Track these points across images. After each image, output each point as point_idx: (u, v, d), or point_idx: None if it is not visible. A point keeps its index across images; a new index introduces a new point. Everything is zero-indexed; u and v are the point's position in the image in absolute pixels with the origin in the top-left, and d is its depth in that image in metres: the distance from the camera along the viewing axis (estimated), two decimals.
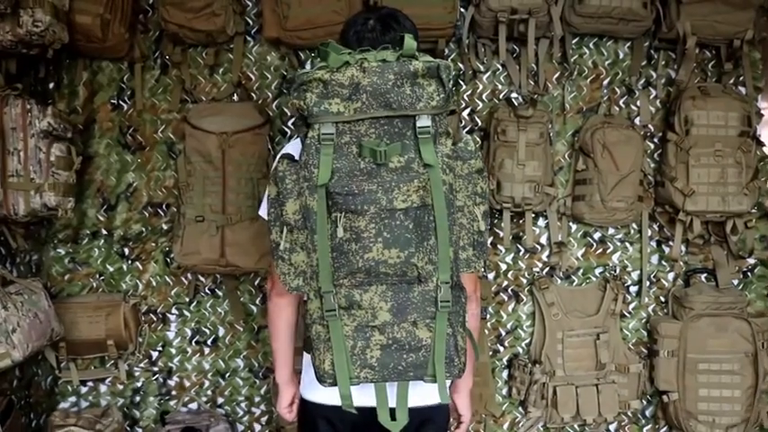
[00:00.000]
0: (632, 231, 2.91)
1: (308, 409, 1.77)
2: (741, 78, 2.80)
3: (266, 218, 1.67)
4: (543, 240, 2.90)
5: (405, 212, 1.46)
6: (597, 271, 2.92)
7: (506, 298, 2.92)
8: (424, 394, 1.67)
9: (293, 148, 1.67)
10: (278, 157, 1.56)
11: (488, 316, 2.89)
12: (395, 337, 1.51)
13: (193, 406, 2.90)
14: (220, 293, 2.88)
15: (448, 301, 1.50)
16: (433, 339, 1.52)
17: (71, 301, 2.75)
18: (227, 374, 2.91)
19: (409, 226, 1.46)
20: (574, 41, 2.85)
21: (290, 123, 2.84)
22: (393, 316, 1.50)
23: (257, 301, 2.89)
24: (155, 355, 2.90)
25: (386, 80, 1.44)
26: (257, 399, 2.91)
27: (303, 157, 1.48)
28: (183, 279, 2.87)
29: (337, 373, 1.51)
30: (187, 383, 2.91)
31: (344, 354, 1.51)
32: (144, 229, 2.86)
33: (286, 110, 2.84)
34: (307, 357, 1.78)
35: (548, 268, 2.91)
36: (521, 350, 2.92)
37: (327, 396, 1.67)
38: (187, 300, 2.88)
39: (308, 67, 2.80)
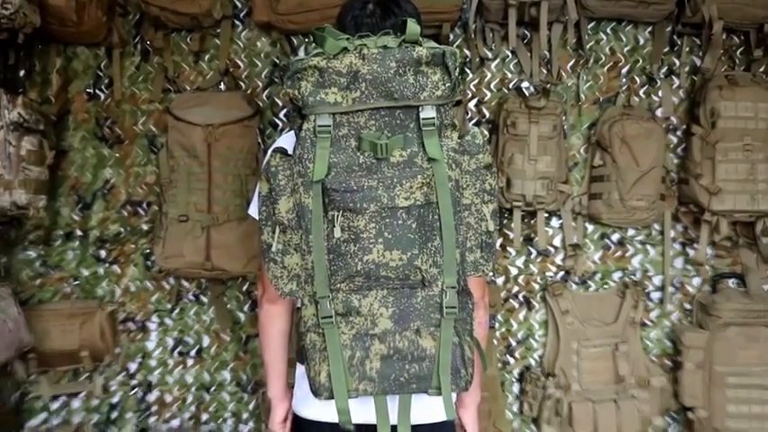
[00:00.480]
0: (654, 233, 2.93)
1: (302, 426, 1.77)
2: None
3: (256, 217, 1.68)
4: (557, 242, 2.92)
5: (407, 211, 1.47)
6: (616, 276, 2.94)
7: (517, 305, 2.93)
8: (427, 410, 1.68)
9: (286, 141, 1.68)
10: (270, 150, 1.57)
11: (497, 324, 2.90)
12: (396, 347, 1.52)
13: (176, 423, 2.92)
14: (205, 300, 2.90)
15: (454, 307, 1.51)
16: (437, 349, 1.52)
17: (42, 309, 2.75)
18: (213, 388, 2.92)
19: (412, 225, 1.47)
20: (590, 26, 2.87)
21: (281, 115, 2.86)
22: (394, 323, 1.51)
23: (245, 308, 2.90)
24: (133, 367, 2.91)
25: (387, 68, 1.45)
26: (245, 415, 2.92)
27: (297, 151, 1.49)
28: (165, 284, 2.89)
29: (334, 386, 1.51)
30: (168, 398, 2.92)
31: (342, 364, 1.51)
32: (122, 230, 2.87)
33: (278, 100, 2.86)
34: (300, 369, 1.79)
35: (562, 273, 2.93)
36: (533, 362, 2.93)
37: (323, 412, 1.68)
38: (169, 307, 2.89)
39: (301, 53, 2.82)
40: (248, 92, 2.83)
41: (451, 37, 2.80)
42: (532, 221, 2.85)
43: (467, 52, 2.85)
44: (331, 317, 1.51)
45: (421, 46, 1.46)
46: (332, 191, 1.47)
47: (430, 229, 1.49)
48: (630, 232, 2.93)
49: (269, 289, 1.67)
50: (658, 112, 2.89)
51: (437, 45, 1.48)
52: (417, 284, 1.51)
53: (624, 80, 2.90)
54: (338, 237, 1.48)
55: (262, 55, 2.86)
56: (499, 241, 2.88)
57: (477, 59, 2.86)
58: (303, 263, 1.53)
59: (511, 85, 2.88)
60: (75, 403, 2.89)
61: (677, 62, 2.89)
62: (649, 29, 2.88)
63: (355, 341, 1.52)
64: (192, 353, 2.91)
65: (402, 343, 1.52)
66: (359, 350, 1.52)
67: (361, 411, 1.61)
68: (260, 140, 2.73)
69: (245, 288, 2.90)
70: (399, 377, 1.52)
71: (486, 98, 2.89)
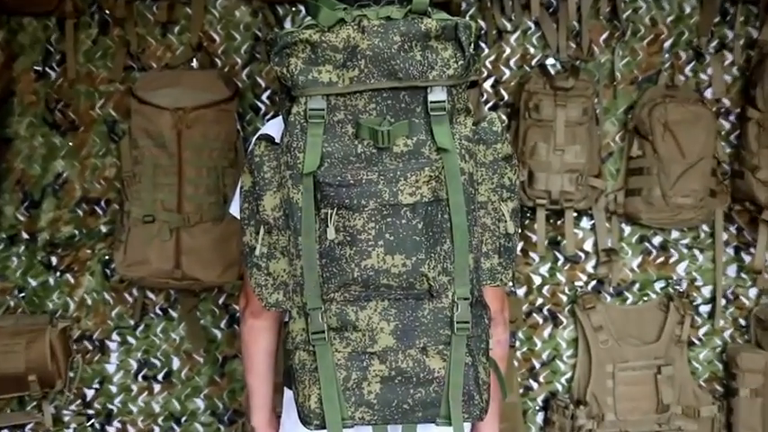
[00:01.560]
0: (702, 235, 2.94)
1: None
2: None
3: (237, 216, 1.70)
4: (588, 246, 2.94)
5: (412, 209, 1.49)
6: (658, 286, 2.95)
7: (541, 320, 2.95)
8: None
9: (273, 127, 1.69)
10: (254, 139, 1.59)
11: (518, 343, 2.92)
12: (399, 368, 1.54)
13: None
14: (175, 315, 2.91)
15: (467, 321, 1.53)
16: (447, 370, 1.54)
17: None
18: (184, 419, 2.94)
19: (418, 226, 1.49)
20: None
21: (264, 97, 2.87)
22: (397, 340, 1.53)
23: (222, 324, 2.92)
24: (90, 393, 2.93)
25: (390, 43, 1.47)
26: None
27: (285, 139, 1.51)
28: (127, 296, 2.90)
29: (326, 413, 1.53)
30: (132, 430, 2.94)
31: (335, 388, 1.53)
32: (76, 233, 2.89)
33: (260, 80, 2.87)
34: (288, 394, 1.80)
35: (594, 282, 2.94)
36: (560, 387, 2.95)
37: None
38: (132, 323, 2.91)
39: (288, 25, 2.83)
40: (225, 70, 2.84)
41: (464, 6, 2.82)
42: (559, 222, 2.87)
43: (482, 24, 2.87)
44: (323, 332, 1.53)
45: (430, 17, 1.48)
46: (325, 185, 1.49)
47: (439, 231, 1.51)
48: (675, 234, 2.95)
49: (252, 300, 1.68)
50: (707, 94, 2.89)
51: (448, 16, 1.49)
52: (424, 295, 1.53)
53: (667, 56, 2.91)
54: (332, 238, 1.50)
55: (241, 27, 2.87)
56: (520, 245, 2.90)
57: (495, 32, 2.88)
58: (291, 269, 1.56)
59: (533, 62, 2.89)
60: None
61: (730, 34, 2.89)
62: None
63: (351, 360, 1.54)
64: (160, 377, 2.93)
65: (406, 363, 1.54)
66: (355, 371, 1.54)
67: None
68: (239, 127, 2.74)
69: (221, 301, 2.92)
70: (403, 403, 1.54)
71: (504, 78, 2.90)
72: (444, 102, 1.49)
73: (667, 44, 2.91)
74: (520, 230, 2.78)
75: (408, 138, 1.50)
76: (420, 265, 1.50)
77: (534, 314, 2.95)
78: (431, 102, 1.49)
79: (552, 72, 2.81)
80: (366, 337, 1.54)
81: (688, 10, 2.89)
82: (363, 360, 1.54)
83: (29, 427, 2.91)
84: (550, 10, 2.86)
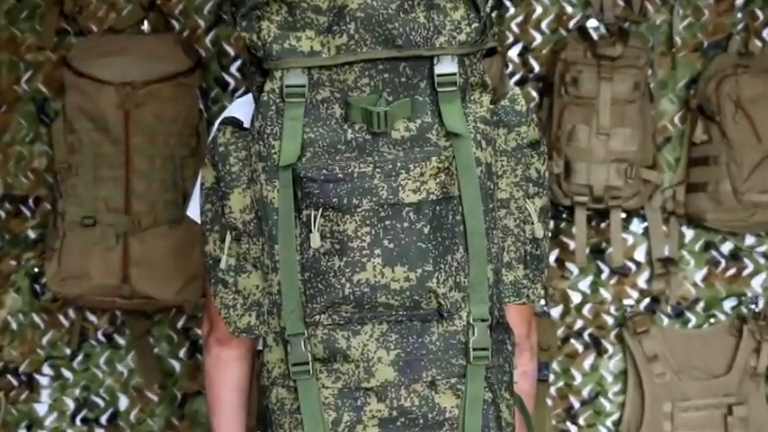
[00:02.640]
0: None
1: None
2: None
3: (197, 220, 1.71)
4: (640, 256, 2.95)
5: (417, 209, 1.50)
6: (728, 305, 2.96)
7: (581, 347, 2.96)
8: None
9: (241, 108, 1.69)
10: (217, 123, 1.60)
11: (552, 377, 2.93)
12: (402, 407, 1.54)
13: None
14: (122, 341, 2.93)
15: (486, 348, 1.54)
16: (462, 409, 1.55)
17: None
18: None
19: (424, 230, 1.50)
20: None
21: (233, 69, 2.89)
22: (399, 373, 1.54)
23: (181, 354, 2.94)
24: None
25: (386, 1, 1.47)
26: None
27: (257, 123, 1.52)
28: (62, 318, 2.92)
29: None
30: None
31: None
32: None
33: (228, 48, 2.89)
34: None
35: (648, 300, 2.96)
36: (605, 431, 2.97)
37: None
38: (68, 352, 2.93)
39: None
40: (184, 35, 2.86)
41: None
42: (603, 225, 2.89)
43: None
44: (307, 363, 1.54)
45: None
46: (307, 180, 1.49)
47: (449, 236, 1.52)
48: (749, 240, 2.96)
49: (218, 324, 1.68)
50: None
51: None
52: (432, 316, 1.53)
53: (740, 15, 2.92)
54: (316, 247, 1.51)
55: None
56: (554, 254, 2.92)
57: None
58: (266, 285, 1.56)
59: (571, 25, 2.91)
60: None
61: None
62: None
63: (342, 399, 1.55)
64: (103, 420, 2.95)
65: (410, 401, 1.55)
66: (347, 412, 1.55)
67: None
68: (202, 106, 2.75)
69: (180, 324, 2.93)
70: None
71: (534, 44, 2.91)
72: (455, 75, 1.50)
73: (740, 1, 2.91)
74: (553, 235, 2.82)
75: (410, 120, 1.51)
76: (427, 278, 1.50)
77: (572, 340, 2.96)
78: (438, 75, 1.49)
79: (595, 37, 2.82)
80: (360, 369, 1.54)
81: None
82: (357, 398, 1.55)
83: None
84: None
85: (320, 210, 1.50)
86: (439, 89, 1.50)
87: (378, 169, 1.49)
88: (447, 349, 1.55)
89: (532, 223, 1.61)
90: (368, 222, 1.49)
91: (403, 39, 1.48)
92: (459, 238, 1.52)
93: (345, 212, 1.49)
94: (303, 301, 1.53)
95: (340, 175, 1.49)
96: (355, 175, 1.49)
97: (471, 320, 1.54)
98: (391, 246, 1.49)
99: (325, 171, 1.49)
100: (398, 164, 1.49)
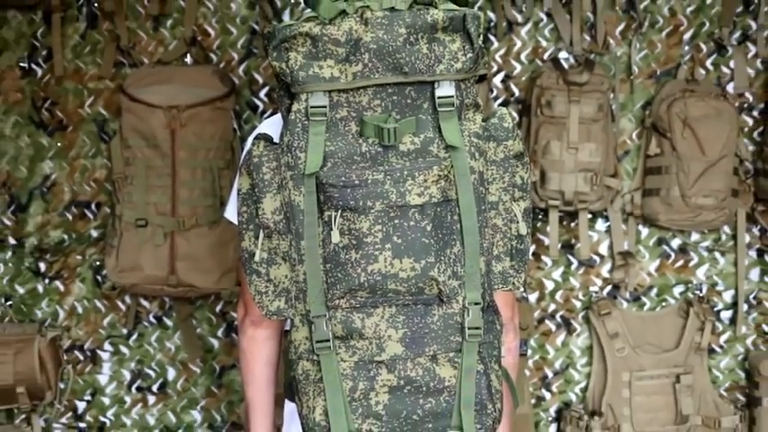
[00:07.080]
0: (724, 237, 2.95)
1: None
2: None
3: (233, 220, 1.70)
4: (603, 250, 2.94)
5: (421, 210, 1.50)
6: (677, 291, 2.96)
7: (554, 327, 2.96)
8: None
9: (271, 126, 1.70)
10: (251, 138, 1.59)
11: (530, 351, 2.92)
12: (408, 377, 1.54)
13: None
14: (170, 323, 2.92)
15: (478, 327, 1.54)
16: (458, 379, 1.55)
17: None
18: (180, 431, 2.96)
19: (427, 228, 1.50)
20: None
21: (262, 94, 2.88)
22: (406, 348, 1.53)
23: (219, 333, 2.93)
24: (81, 406, 2.93)
25: (395, 35, 1.47)
26: None
27: (286, 138, 1.51)
28: (120, 304, 2.91)
29: (332, 425, 1.53)
30: None
31: (341, 399, 1.53)
32: (66, 237, 2.90)
33: (257, 76, 2.88)
34: (290, 406, 1.81)
35: (610, 287, 2.95)
36: (574, 397, 2.96)
37: None
38: (125, 332, 2.92)
39: (287, 18, 2.84)
40: (221, 66, 2.85)
41: None
42: (573, 224, 2.88)
43: (491, 15, 2.88)
44: (328, 340, 1.53)
45: (436, 8, 1.48)
46: (328, 186, 1.49)
47: (448, 233, 1.52)
48: (695, 237, 2.95)
49: (251, 308, 1.69)
50: (729, 88, 2.90)
51: (456, 6, 1.50)
52: (433, 300, 1.53)
53: (687, 48, 2.91)
54: (336, 242, 1.50)
55: (237, 20, 2.88)
56: (532, 249, 2.91)
57: (505, 24, 2.88)
58: (293, 275, 1.56)
59: (546, 56, 2.90)
60: None
61: (753, 25, 2.90)
62: None
63: (358, 370, 1.54)
64: (155, 388, 2.94)
65: (415, 372, 1.54)
66: (362, 381, 1.54)
67: None
68: (236, 126, 2.75)
69: (218, 308, 2.92)
70: (412, 414, 1.54)
71: (515, 72, 2.91)
72: (453, 97, 1.50)
73: (687, 36, 2.91)
74: (532, 233, 2.82)
75: (415, 135, 1.51)
76: (429, 268, 1.50)
77: (546, 321, 2.95)
78: (438, 97, 1.50)
79: (565, 66, 2.82)
80: (373, 345, 1.54)
81: (709, 0, 2.89)
82: (370, 369, 1.54)
83: None
84: (563, 0, 2.86)
85: (339, 211, 1.51)
86: (439, 109, 1.51)
87: (388, 176, 1.49)
88: (446, 328, 1.55)
89: (518, 222, 1.61)
90: (380, 221, 1.50)
91: (409, 66, 1.49)
92: (457, 234, 1.53)
93: (361, 213, 1.50)
94: (325, 288, 1.53)
95: (356, 182, 1.49)
96: (369, 181, 1.49)
97: (466, 304, 1.54)
98: (399, 241, 1.50)
99: (343, 178, 1.49)
100: (405, 172, 1.49)
